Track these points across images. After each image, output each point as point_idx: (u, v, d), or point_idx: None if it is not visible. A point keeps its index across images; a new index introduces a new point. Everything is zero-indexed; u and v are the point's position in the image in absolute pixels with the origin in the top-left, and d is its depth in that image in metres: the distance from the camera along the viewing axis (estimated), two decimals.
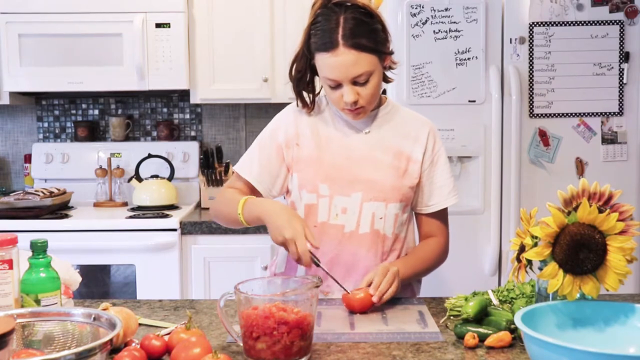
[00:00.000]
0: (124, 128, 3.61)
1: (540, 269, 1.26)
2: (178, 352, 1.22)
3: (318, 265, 1.60)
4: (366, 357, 1.30)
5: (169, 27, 3.17)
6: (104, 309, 1.32)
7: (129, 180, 3.41)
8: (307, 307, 1.27)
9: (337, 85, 1.66)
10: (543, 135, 2.74)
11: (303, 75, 1.74)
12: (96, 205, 3.44)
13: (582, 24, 2.71)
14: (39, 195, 3.08)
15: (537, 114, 2.73)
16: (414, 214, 1.88)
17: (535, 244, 1.26)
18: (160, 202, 3.29)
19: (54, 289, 1.35)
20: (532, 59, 2.71)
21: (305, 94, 1.77)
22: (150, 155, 3.44)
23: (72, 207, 3.36)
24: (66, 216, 3.09)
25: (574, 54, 2.72)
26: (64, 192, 3.27)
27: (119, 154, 3.53)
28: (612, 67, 2.72)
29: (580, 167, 2.75)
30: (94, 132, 3.64)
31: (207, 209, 3.36)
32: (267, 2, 3.24)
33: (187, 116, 3.68)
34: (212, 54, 3.26)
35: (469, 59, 2.70)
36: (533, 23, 2.71)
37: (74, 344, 1.19)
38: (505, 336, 1.34)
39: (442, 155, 1.82)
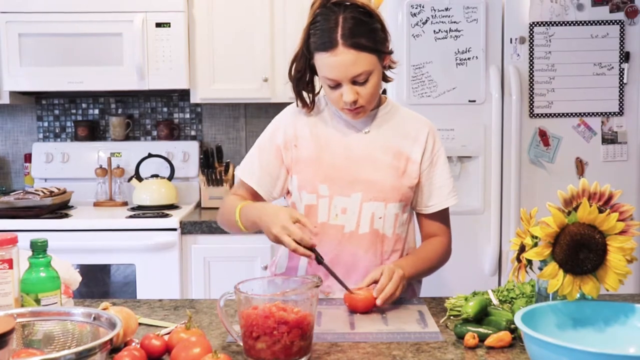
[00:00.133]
0: (124, 128, 3.61)
1: (540, 269, 1.26)
2: (178, 351, 1.22)
3: (320, 263, 1.60)
4: (366, 357, 1.30)
5: (169, 26, 3.17)
6: (104, 309, 1.32)
7: (129, 179, 3.41)
8: (307, 307, 1.27)
9: (337, 85, 1.66)
10: (543, 135, 2.74)
11: (302, 75, 1.74)
12: (96, 204, 3.44)
13: (583, 24, 2.71)
14: (39, 194, 3.08)
15: (537, 114, 2.73)
16: (415, 215, 1.88)
17: (535, 244, 1.26)
18: (160, 202, 3.29)
19: (54, 289, 1.35)
20: (532, 58, 2.71)
21: (304, 93, 1.77)
22: (150, 155, 3.44)
23: (72, 206, 3.36)
24: (66, 216, 3.09)
25: (574, 54, 2.72)
26: (64, 192, 3.27)
27: (119, 153, 3.54)
28: (612, 67, 2.72)
29: (581, 167, 2.75)
30: (94, 132, 3.64)
31: (207, 208, 3.36)
32: (267, 2, 3.24)
33: (187, 116, 3.68)
34: (212, 53, 3.26)
35: (469, 58, 2.70)
36: (533, 23, 2.71)
37: (74, 344, 1.19)
38: (505, 336, 1.34)
39: (441, 156, 1.82)
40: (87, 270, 2.95)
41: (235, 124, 3.67)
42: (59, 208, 3.22)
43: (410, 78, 2.70)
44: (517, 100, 2.66)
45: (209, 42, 3.26)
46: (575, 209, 1.23)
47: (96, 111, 3.67)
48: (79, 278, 1.56)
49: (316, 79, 1.75)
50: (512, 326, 1.36)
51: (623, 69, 2.72)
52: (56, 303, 1.34)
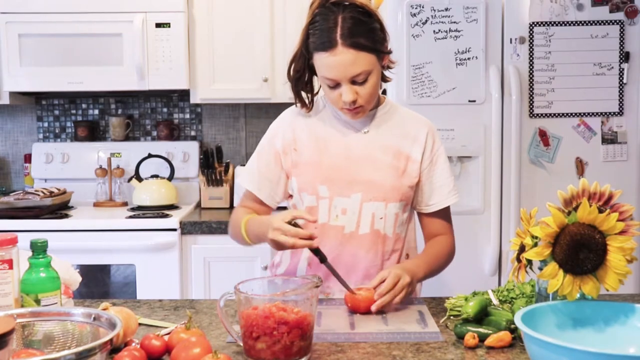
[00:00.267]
0: (124, 128, 3.61)
1: (540, 269, 1.26)
2: (178, 352, 1.22)
3: (323, 262, 1.60)
4: (366, 357, 1.30)
5: (169, 27, 3.17)
6: (104, 309, 1.32)
7: (129, 180, 3.41)
8: (307, 307, 1.27)
9: (336, 85, 1.66)
10: (543, 135, 2.74)
11: (301, 75, 1.74)
12: (96, 205, 3.44)
13: (582, 24, 2.71)
14: (39, 195, 3.08)
15: (537, 114, 2.73)
16: (417, 215, 1.88)
17: (535, 244, 1.26)
18: (160, 202, 3.29)
19: (54, 289, 1.35)
20: (532, 59, 2.71)
21: (303, 93, 1.77)
22: (150, 155, 3.44)
23: (72, 207, 3.36)
24: (66, 216, 3.09)
25: (574, 54, 2.72)
26: (64, 192, 3.27)
27: (119, 153, 3.54)
28: (612, 67, 2.72)
29: (580, 167, 2.75)
30: (94, 132, 3.64)
31: (207, 209, 3.36)
32: (267, 2, 3.25)
33: (187, 116, 3.68)
34: (212, 54, 3.27)
35: (469, 58, 2.70)
36: (533, 23, 2.71)
37: (74, 344, 1.19)
38: (505, 336, 1.34)
39: (441, 155, 1.82)
40: (87, 271, 2.95)
41: (235, 124, 3.67)
42: (59, 208, 3.22)
43: (410, 78, 2.70)
44: (517, 100, 2.66)
45: (209, 42, 3.26)
46: (575, 209, 1.23)
47: (96, 111, 3.67)
48: (79, 278, 1.56)
49: (315, 79, 1.75)
50: (512, 326, 1.36)
51: (623, 69, 2.72)
52: (56, 303, 1.34)
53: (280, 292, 1.32)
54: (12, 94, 3.29)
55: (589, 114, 2.74)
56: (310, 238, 1.55)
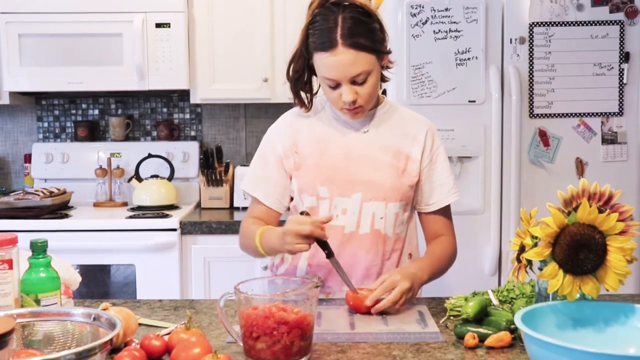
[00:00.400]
0: (124, 128, 3.61)
1: (540, 269, 1.26)
2: (178, 352, 1.22)
3: (329, 257, 1.60)
4: (366, 357, 1.30)
5: (169, 27, 3.17)
6: (104, 309, 1.32)
7: (129, 180, 3.41)
8: (307, 307, 1.27)
9: (336, 85, 1.66)
10: (543, 135, 2.74)
11: (301, 75, 1.74)
12: (96, 205, 3.44)
13: (582, 24, 2.71)
14: (38, 195, 3.08)
15: (537, 114, 2.73)
16: (417, 214, 1.87)
17: (535, 244, 1.26)
18: (160, 202, 3.29)
19: (54, 289, 1.35)
20: (532, 59, 2.71)
21: (302, 94, 1.77)
22: (150, 155, 3.44)
23: (72, 207, 3.36)
24: (66, 216, 3.09)
25: (574, 54, 2.72)
26: (64, 192, 3.27)
27: (118, 153, 3.54)
28: (612, 67, 2.72)
29: (580, 167, 2.75)
30: (93, 132, 3.64)
31: (207, 209, 3.36)
32: (267, 2, 3.25)
33: (187, 116, 3.68)
34: (212, 54, 3.27)
35: (469, 59, 2.70)
36: (533, 23, 2.71)
37: (74, 344, 1.19)
38: (505, 336, 1.34)
39: (441, 154, 1.82)
40: (87, 271, 2.95)
41: (235, 124, 3.67)
42: (58, 208, 3.22)
43: (410, 78, 2.70)
44: (517, 101, 2.66)
45: (209, 42, 3.26)
46: (575, 209, 1.23)
47: (96, 111, 3.67)
48: (79, 278, 1.56)
49: (314, 79, 1.75)
50: (512, 326, 1.36)
51: (623, 69, 2.72)
52: (56, 303, 1.34)
53: (280, 292, 1.32)
54: (12, 94, 3.29)
55: (589, 114, 2.74)
56: (324, 239, 1.57)
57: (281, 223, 1.84)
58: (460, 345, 1.36)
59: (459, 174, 2.73)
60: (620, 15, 2.72)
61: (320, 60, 1.65)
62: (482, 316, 1.41)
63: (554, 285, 1.22)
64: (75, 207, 3.37)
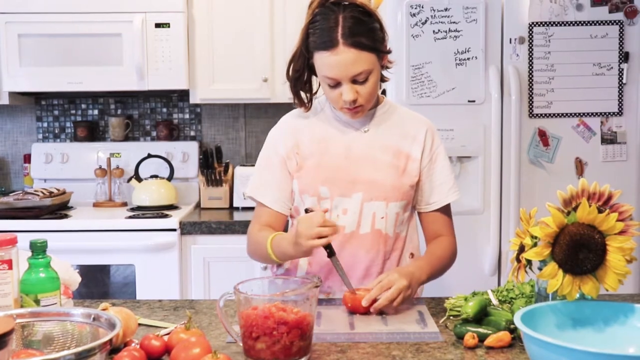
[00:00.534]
0: (124, 128, 3.61)
1: (540, 269, 1.26)
2: (178, 352, 1.22)
3: (330, 257, 1.60)
4: (366, 357, 1.30)
5: (169, 27, 3.17)
6: (104, 309, 1.32)
7: (129, 180, 3.41)
8: (306, 307, 1.27)
9: (337, 84, 1.67)
10: (542, 135, 2.74)
11: (301, 75, 1.74)
12: (96, 205, 3.43)
13: (582, 24, 2.71)
14: (38, 195, 3.08)
15: (537, 114, 2.73)
16: (417, 214, 1.87)
17: (535, 244, 1.26)
18: (159, 202, 3.29)
19: (54, 289, 1.35)
20: (532, 59, 2.71)
21: (302, 93, 1.77)
22: (149, 155, 3.44)
23: (72, 207, 3.36)
24: (66, 216, 3.09)
25: (573, 54, 2.72)
26: (64, 192, 3.27)
27: (118, 154, 3.53)
28: (612, 67, 2.72)
29: (580, 167, 2.75)
30: (93, 132, 3.64)
31: (207, 209, 3.36)
32: (267, 2, 3.25)
33: (187, 116, 3.68)
34: (211, 54, 3.27)
35: (468, 59, 2.70)
36: (533, 23, 2.71)
37: (74, 344, 1.19)
38: (504, 336, 1.34)
39: (440, 153, 1.82)
40: (87, 271, 2.95)
41: (234, 124, 3.67)
42: (58, 209, 3.22)
43: (410, 78, 2.70)
44: (516, 101, 2.66)
45: (208, 42, 3.26)
46: (575, 209, 1.23)
47: (95, 112, 3.67)
48: (79, 279, 1.55)
49: (314, 78, 1.75)
50: (512, 326, 1.36)
51: (622, 69, 2.72)
52: (56, 304, 1.34)
53: (280, 292, 1.32)
54: (12, 94, 3.28)
55: (588, 114, 2.74)
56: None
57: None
58: (460, 345, 1.36)
59: (459, 174, 2.73)
60: (619, 15, 2.72)
61: (321, 59, 1.65)
62: (481, 316, 1.41)
63: (554, 285, 1.22)
64: (75, 207, 3.37)
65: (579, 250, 1.21)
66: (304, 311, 1.26)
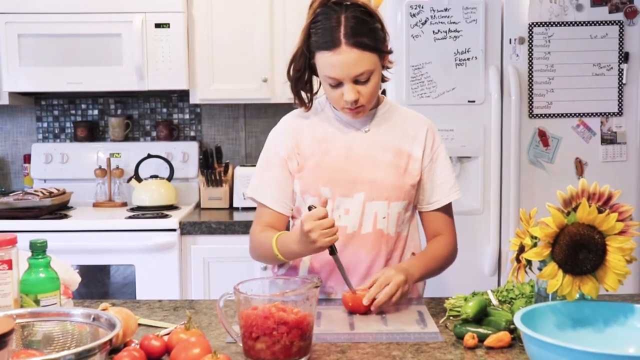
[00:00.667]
0: (124, 128, 3.61)
1: (540, 269, 1.26)
2: (178, 352, 1.22)
3: (332, 254, 1.60)
4: (366, 357, 1.30)
5: (169, 27, 3.17)
6: (104, 309, 1.32)
7: (129, 180, 3.41)
8: (306, 307, 1.27)
9: (338, 84, 1.66)
10: (542, 135, 2.74)
11: (301, 75, 1.74)
12: (95, 205, 3.43)
13: (582, 25, 2.71)
14: (38, 195, 3.08)
15: (537, 114, 2.73)
16: (419, 213, 1.87)
17: (535, 244, 1.26)
18: (159, 203, 3.29)
19: (54, 289, 1.35)
20: (532, 59, 2.72)
21: (303, 93, 1.77)
22: (149, 156, 3.44)
23: (72, 207, 3.36)
24: (65, 216, 3.09)
25: (573, 54, 2.72)
26: (64, 193, 3.27)
27: (118, 154, 3.53)
28: (612, 68, 2.72)
29: (580, 167, 2.75)
30: (93, 132, 3.63)
31: (207, 209, 3.36)
32: (267, 2, 3.25)
33: (187, 116, 3.68)
34: (211, 54, 3.26)
35: (468, 59, 2.70)
36: (532, 23, 2.71)
37: (74, 344, 1.19)
38: (504, 336, 1.34)
39: (441, 153, 1.82)
40: (87, 271, 2.95)
41: (234, 124, 3.67)
42: (58, 209, 3.22)
43: (410, 78, 2.70)
44: (516, 101, 2.66)
45: (208, 42, 3.26)
46: (575, 209, 1.23)
47: (95, 112, 3.67)
48: (79, 279, 1.55)
49: (315, 78, 1.75)
50: (512, 326, 1.36)
51: (622, 70, 2.72)
52: (55, 304, 1.34)
53: (280, 292, 1.32)
54: (12, 94, 3.28)
55: (588, 114, 2.74)
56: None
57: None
58: (459, 346, 1.36)
59: (459, 174, 2.73)
60: (619, 16, 2.72)
61: (323, 59, 1.65)
62: (481, 316, 1.41)
63: (554, 285, 1.22)
64: (75, 207, 3.37)
65: (579, 251, 1.21)
66: (304, 311, 1.26)
